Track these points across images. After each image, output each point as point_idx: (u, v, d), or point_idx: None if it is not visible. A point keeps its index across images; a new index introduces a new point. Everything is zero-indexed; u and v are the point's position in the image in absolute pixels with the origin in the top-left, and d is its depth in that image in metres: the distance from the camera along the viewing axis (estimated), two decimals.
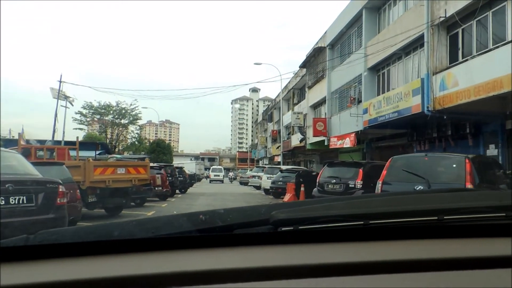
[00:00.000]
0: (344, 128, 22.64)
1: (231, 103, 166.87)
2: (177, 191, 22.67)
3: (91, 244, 0.98)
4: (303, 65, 31.88)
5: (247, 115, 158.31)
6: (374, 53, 18.12)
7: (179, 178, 21.91)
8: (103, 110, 45.83)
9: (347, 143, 22.08)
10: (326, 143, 25.60)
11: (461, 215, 1.11)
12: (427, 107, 13.57)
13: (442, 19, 13.46)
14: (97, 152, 19.65)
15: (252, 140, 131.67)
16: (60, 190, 5.34)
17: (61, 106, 20.62)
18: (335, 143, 24.07)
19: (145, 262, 0.92)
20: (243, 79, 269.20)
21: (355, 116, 20.39)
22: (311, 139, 28.99)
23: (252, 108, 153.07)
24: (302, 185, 15.24)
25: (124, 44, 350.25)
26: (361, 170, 11.81)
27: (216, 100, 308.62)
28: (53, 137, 18.51)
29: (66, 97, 20.44)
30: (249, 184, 32.54)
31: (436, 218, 1.08)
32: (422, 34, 14.40)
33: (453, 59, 13.64)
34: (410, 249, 1.00)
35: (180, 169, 24.11)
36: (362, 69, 20.21)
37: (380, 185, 7.99)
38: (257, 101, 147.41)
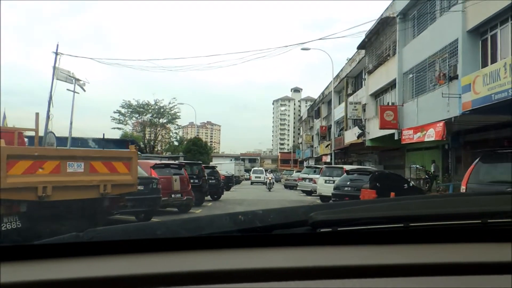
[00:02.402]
0: (425, 117, 17.27)
1: (272, 104, 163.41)
2: (209, 196, 17.93)
3: (137, 242, 1.01)
4: (361, 46, 26.38)
5: (288, 115, 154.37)
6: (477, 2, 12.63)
7: (210, 181, 16.80)
8: (141, 109, 44.80)
9: (431, 135, 16.57)
10: (397, 137, 20.14)
11: (507, 218, 1.04)
12: None
13: None
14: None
15: (294, 141, 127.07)
16: None
17: (68, 90, 16.06)
18: (410, 137, 18.63)
19: (187, 260, 0.94)
20: (285, 78, 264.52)
21: (446, 98, 14.92)
22: (372, 133, 23.72)
23: (294, 109, 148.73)
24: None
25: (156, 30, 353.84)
26: None
27: (257, 101, 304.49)
28: (46, 126, 14.12)
29: (75, 80, 15.93)
30: (297, 188, 26.81)
31: (480, 221, 1.03)
32: None
33: None
34: (451, 252, 0.96)
35: (213, 169, 19.12)
36: (459, 34, 14.70)
37: None
38: (299, 101, 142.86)
